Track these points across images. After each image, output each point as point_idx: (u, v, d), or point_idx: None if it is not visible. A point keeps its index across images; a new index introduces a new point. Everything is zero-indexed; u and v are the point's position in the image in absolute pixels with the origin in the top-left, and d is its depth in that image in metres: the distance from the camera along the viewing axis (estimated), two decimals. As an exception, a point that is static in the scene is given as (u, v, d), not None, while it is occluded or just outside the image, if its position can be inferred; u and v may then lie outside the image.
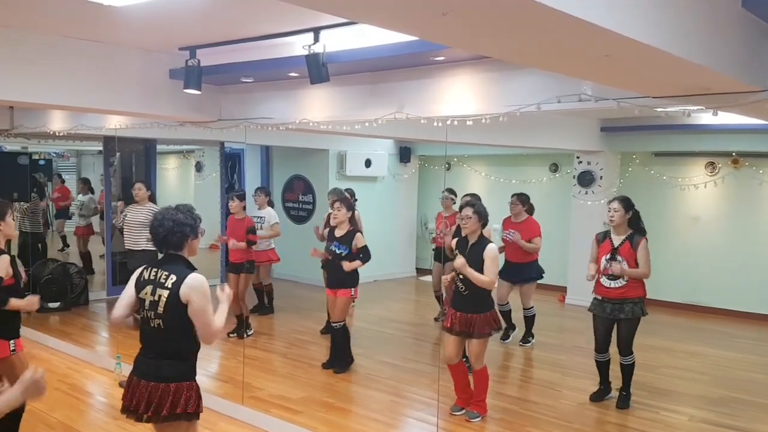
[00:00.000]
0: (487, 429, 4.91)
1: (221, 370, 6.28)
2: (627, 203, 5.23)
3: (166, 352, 3.11)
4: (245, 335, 7.16)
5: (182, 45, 4.96)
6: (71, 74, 4.94)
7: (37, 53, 4.75)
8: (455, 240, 5.13)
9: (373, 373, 6.12)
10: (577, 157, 9.39)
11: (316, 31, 4.17)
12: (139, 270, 3.23)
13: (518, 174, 10.31)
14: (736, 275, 8.71)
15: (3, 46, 4.58)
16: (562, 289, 9.56)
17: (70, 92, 4.99)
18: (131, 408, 3.13)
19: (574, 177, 9.47)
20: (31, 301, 4.07)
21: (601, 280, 5.24)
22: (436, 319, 8.12)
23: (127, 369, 5.87)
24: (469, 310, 4.86)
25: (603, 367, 5.49)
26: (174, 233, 3.09)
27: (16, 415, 3.87)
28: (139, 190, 7.26)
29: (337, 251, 5.95)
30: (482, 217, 4.88)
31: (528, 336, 7.24)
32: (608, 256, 5.19)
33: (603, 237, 5.37)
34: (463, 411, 5.06)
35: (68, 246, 10.61)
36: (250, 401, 5.16)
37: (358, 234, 5.97)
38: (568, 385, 5.95)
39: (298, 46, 4.35)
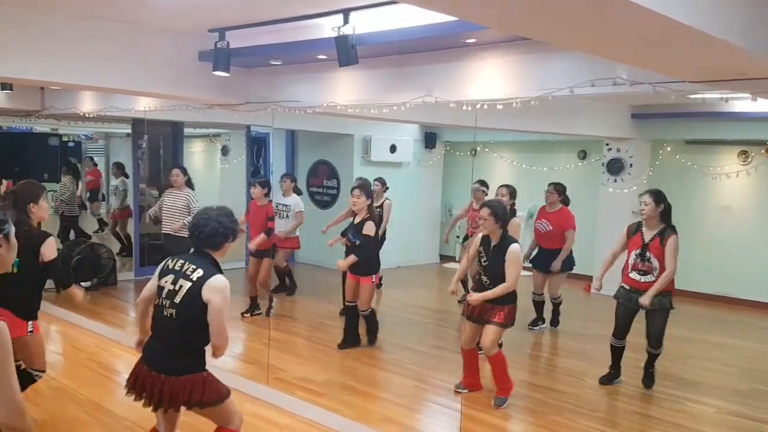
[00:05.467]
0: (511, 416, 4.89)
1: (246, 352, 6.34)
2: (658, 197, 5.14)
3: (175, 343, 3.14)
4: (269, 313, 7.35)
5: (212, 27, 4.97)
6: (102, 55, 4.98)
7: (67, 34, 4.79)
8: (480, 235, 5.05)
9: (397, 359, 6.13)
10: (607, 144, 9.25)
11: (346, 12, 4.14)
12: (165, 260, 3.28)
13: (545, 161, 10.18)
14: (766, 267, 8.53)
15: (34, 28, 4.63)
16: (588, 278, 9.42)
17: (100, 73, 5.04)
18: (134, 390, 3.20)
19: (603, 164, 9.34)
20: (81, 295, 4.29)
21: (630, 274, 5.19)
22: (460, 302, 8.11)
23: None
24: (491, 301, 4.83)
25: (617, 353, 5.50)
26: (218, 234, 3.16)
27: (24, 382, 3.96)
28: (177, 176, 7.41)
29: (353, 240, 6.04)
30: (500, 219, 4.80)
31: (555, 322, 7.29)
32: (638, 251, 5.13)
33: (635, 230, 5.28)
34: (467, 390, 5.15)
35: (102, 230, 10.76)
36: (274, 383, 5.20)
37: (368, 223, 5.99)
38: (592, 373, 5.88)
39: (327, 28, 4.32)
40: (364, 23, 4.20)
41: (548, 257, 7.00)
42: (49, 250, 3.93)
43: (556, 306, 7.24)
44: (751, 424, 4.91)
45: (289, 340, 6.60)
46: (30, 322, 3.99)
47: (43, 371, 4.20)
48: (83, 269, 8.36)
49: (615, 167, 9.16)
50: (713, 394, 5.45)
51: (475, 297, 4.86)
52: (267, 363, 5.44)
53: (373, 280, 6.16)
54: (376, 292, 6.72)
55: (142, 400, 3.18)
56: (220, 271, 3.16)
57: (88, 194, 10.80)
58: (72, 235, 9.75)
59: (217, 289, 3.04)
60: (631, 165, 9.07)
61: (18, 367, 3.97)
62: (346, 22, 4.15)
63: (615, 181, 9.18)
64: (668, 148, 9.19)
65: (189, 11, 4.58)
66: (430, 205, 11.42)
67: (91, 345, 6.35)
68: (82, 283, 8.28)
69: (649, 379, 5.46)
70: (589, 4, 2.10)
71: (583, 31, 2.55)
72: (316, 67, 5.44)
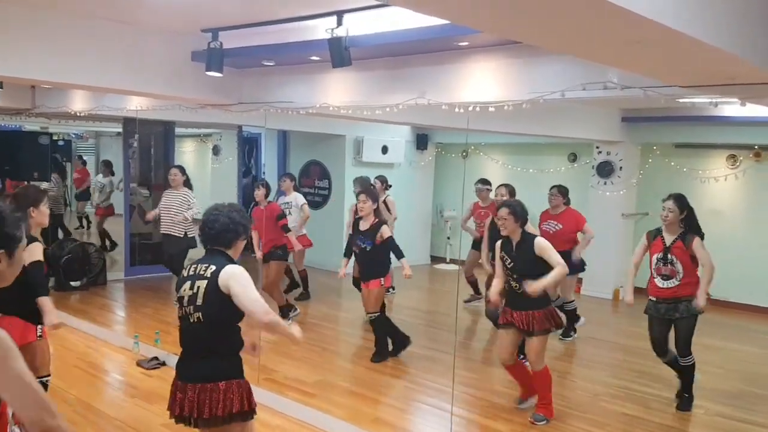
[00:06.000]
0: (501, 417, 4.90)
1: (237, 352, 6.32)
2: (682, 202, 4.98)
3: (208, 349, 3.00)
4: (290, 317, 7.00)
5: (205, 27, 4.97)
6: (94, 54, 4.97)
7: (60, 33, 4.78)
8: (499, 242, 4.86)
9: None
10: (597, 147, 9.31)
11: (340, 14, 4.15)
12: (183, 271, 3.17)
13: (536, 163, 10.23)
14: (755, 270, 8.61)
15: (27, 26, 4.61)
16: (579, 281, 9.49)
17: (92, 72, 5.03)
18: (182, 415, 3.01)
19: (593, 167, 9.40)
20: (55, 320, 3.94)
21: (655, 280, 5.03)
22: (466, 302, 8.14)
23: (144, 349, 5.97)
24: (527, 307, 4.65)
25: (673, 365, 5.24)
26: (228, 230, 3.06)
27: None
28: (175, 175, 7.41)
29: (362, 245, 5.89)
30: (519, 217, 4.66)
31: (570, 330, 7.00)
32: (660, 255, 5.00)
33: (654, 235, 5.12)
34: (527, 402, 4.97)
35: (84, 227, 10.73)
36: (265, 383, 5.19)
37: (384, 227, 5.86)
38: (582, 375, 5.94)
39: (320, 29, 4.34)
40: (357, 25, 4.22)
41: None
42: (31, 253, 3.70)
43: (570, 312, 6.92)
44: (739, 425, 4.95)
45: (281, 341, 6.56)
46: (39, 327, 3.86)
47: (49, 376, 4.07)
48: (73, 269, 8.32)
49: (605, 170, 9.22)
50: (702, 396, 5.48)
51: (535, 285, 4.50)
52: (258, 363, 5.43)
53: (382, 282, 5.96)
54: (386, 297, 6.57)
55: (187, 423, 3.01)
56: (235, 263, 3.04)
57: (76, 192, 10.78)
58: (60, 234, 9.73)
59: (232, 275, 2.92)
60: (620, 168, 9.13)
61: None
62: (339, 23, 4.16)
63: (605, 184, 9.24)
64: (658, 152, 9.25)
65: (182, 11, 4.58)
66: (421, 206, 11.45)
67: (80, 345, 6.32)
68: (72, 283, 8.26)
69: (685, 404, 5.16)
70: (579, 9, 2.12)
71: (574, 35, 2.58)
72: (309, 69, 5.45)
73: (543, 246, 4.62)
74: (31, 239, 3.87)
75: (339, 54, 4.22)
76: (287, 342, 6.54)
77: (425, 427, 4.82)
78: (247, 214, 3.19)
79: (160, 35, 5.28)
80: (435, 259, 11.52)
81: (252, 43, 5.01)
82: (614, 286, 9.25)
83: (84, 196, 10.80)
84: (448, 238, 11.24)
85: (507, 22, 2.43)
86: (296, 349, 6.39)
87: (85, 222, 11.16)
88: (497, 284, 4.86)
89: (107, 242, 10.06)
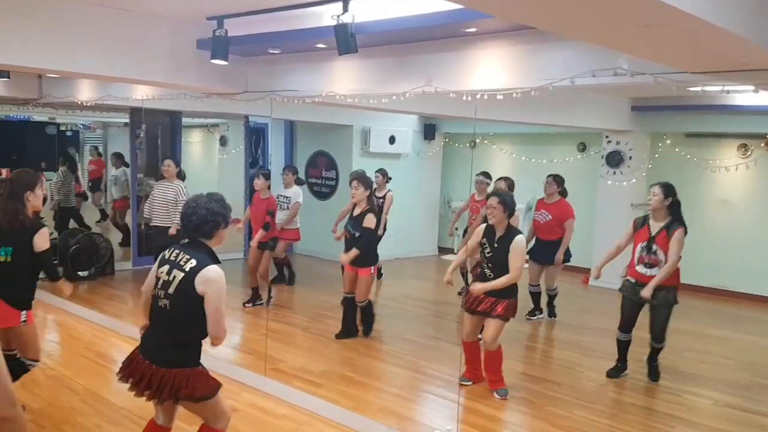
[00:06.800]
0: (508, 408, 4.88)
1: (244, 342, 6.33)
2: (668, 189, 5.12)
3: (168, 336, 3.07)
4: (269, 303, 7.39)
5: (210, 14, 4.92)
6: (100, 43, 4.94)
7: (64, 20, 4.75)
8: (483, 226, 5.03)
9: (394, 350, 6.13)
10: (606, 137, 9.22)
11: (345, 0, 4.10)
12: (164, 251, 3.21)
13: (545, 153, 10.16)
14: (765, 260, 8.53)
15: (31, 13, 4.59)
16: (587, 271, 9.41)
17: (98, 61, 5.00)
18: (127, 379, 3.13)
19: (602, 157, 9.32)
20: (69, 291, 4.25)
21: (637, 267, 5.18)
22: (459, 293, 8.11)
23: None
24: (494, 295, 4.82)
25: (623, 347, 5.50)
26: (207, 222, 3.07)
27: (17, 372, 3.94)
28: (168, 167, 7.37)
29: (351, 231, 6.04)
30: (508, 207, 4.79)
31: (551, 314, 7.33)
32: (644, 244, 5.12)
33: (642, 222, 5.27)
34: (471, 382, 5.16)
35: (104, 219, 10.71)
36: (272, 373, 5.19)
37: (368, 215, 5.96)
38: (589, 365, 5.90)
39: (326, 16, 4.28)
40: (363, 11, 4.17)
41: (545, 249, 7.01)
42: (42, 240, 3.88)
43: (552, 298, 7.29)
44: (749, 416, 4.91)
45: (287, 331, 6.59)
46: (23, 312, 3.92)
47: (37, 361, 4.14)
48: (81, 259, 8.35)
49: (614, 160, 9.14)
50: (711, 387, 5.45)
51: (478, 287, 4.84)
52: (265, 353, 5.43)
53: (372, 271, 6.17)
54: (376, 283, 6.72)
55: (133, 387, 3.11)
56: (216, 261, 3.07)
57: (90, 184, 10.77)
58: (72, 225, 9.74)
59: (211, 281, 2.96)
60: (630, 158, 9.05)
61: (12, 356, 3.96)
62: (345, 10, 4.11)
63: (614, 173, 9.17)
64: (668, 141, 9.16)
65: (187, -2, 4.55)
66: (428, 196, 11.40)
67: (87, 334, 6.34)
68: (80, 273, 8.28)
69: (653, 373, 5.48)
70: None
71: (585, 19, 2.52)
72: (315, 56, 5.40)
73: (516, 248, 4.75)
74: (39, 224, 3.91)
75: (345, 41, 4.17)
76: (293, 331, 6.60)
77: (432, 416, 4.80)
78: (227, 203, 3.20)
79: (165, 23, 5.24)
80: (442, 250, 11.48)
81: (257, 30, 4.96)
82: (622, 277, 9.18)
83: (96, 187, 10.79)
84: (456, 228, 11.18)
85: (516, 5, 2.38)
86: (303, 339, 6.40)
87: (103, 214, 11.16)
88: (454, 265, 5.12)
89: (127, 237, 9.99)
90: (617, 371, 5.54)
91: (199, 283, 2.95)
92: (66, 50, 4.82)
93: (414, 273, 10.09)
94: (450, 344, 6.21)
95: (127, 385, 3.14)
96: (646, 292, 5.03)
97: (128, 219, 9.81)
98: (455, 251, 11.12)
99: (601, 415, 4.78)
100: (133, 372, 3.10)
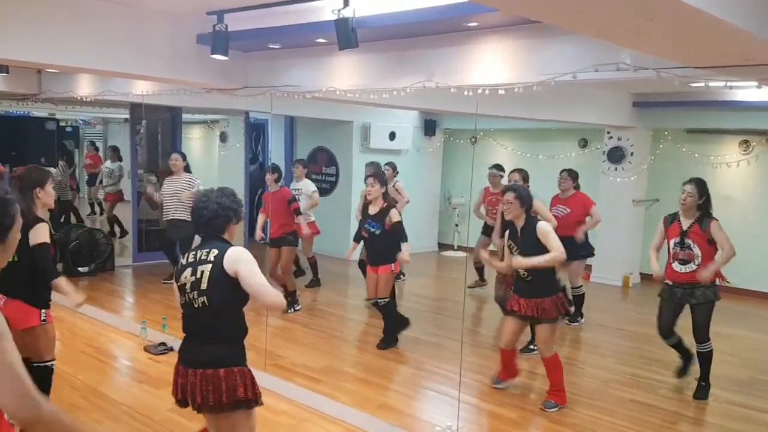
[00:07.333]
0: (509, 405, 4.87)
1: (244, 338, 6.31)
2: (702, 187, 4.97)
3: (211, 334, 2.97)
4: (293, 310, 6.96)
5: (210, 9, 4.90)
6: (99, 37, 4.91)
7: (64, 15, 4.72)
8: (506, 232, 4.86)
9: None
10: (608, 133, 9.19)
11: (346, -6, 4.07)
12: (176, 266, 3.15)
13: (546, 149, 10.13)
14: (766, 256, 8.51)
15: (30, 8, 4.56)
16: (588, 267, 9.42)
17: (97, 56, 4.97)
18: (184, 399, 3.01)
19: (603, 153, 9.29)
20: (77, 299, 4.01)
21: (672, 265, 4.99)
22: (470, 287, 8.07)
23: (152, 334, 5.96)
24: (535, 295, 4.65)
25: (677, 348, 5.28)
26: (218, 216, 3.02)
27: (44, 377, 3.86)
28: (176, 160, 7.38)
29: (371, 230, 5.85)
30: (525, 202, 4.66)
31: (577, 315, 6.95)
32: (677, 240, 4.96)
33: (671, 220, 5.09)
34: (504, 383, 5.04)
35: (95, 212, 10.74)
36: (272, 368, 5.18)
37: (393, 210, 5.81)
38: (592, 362, 5.88)
39: (327, 11, 4.26)
40: (364, 6, 4.14)
41: (564, 244, 6.86)
42: (35, 234, 3.70)
43: (578, 298, 6.89)
44: (751, 413, 4.90)
45: (288, 327, 6.58)
46: (42, 311, 3.83)
47: (54, 360, 4.04)
48: (81, 254, 8.34)
49: (616, 156, 9.11)
50: (713, 383, 5.41)
51: (520, 261, 4.59)
52: (265, 349, 5.42)
53: (392, 269, 5.90)
54: (396, 284, 6.51)
55: (187, 401, 2.99)
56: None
57: (87, 178, 10.78)
58: (73, 219, 9.75)
59: (237, 258, 2.90)
60: (631, 153, 9.03)
61: (31, 365, 3.76)
62: (346, 4, 4.08)
63: (615, 169, 9.14)
64: (669, 137, 9.14)
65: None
66: (429, 193, 11.38)
67: (88, 330, 6.33)
68: (80, 268, 8.27)
69: (702, 392, 5.11)
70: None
71: (588, 12, 2.50)
72: (316, 51, 5.38)
73: (544, 231, 4.60)
74: (37, 220, 3.82)
75: (346, 35, 4.14)
76: (293, 328, 6.57)
77: (432, 413, 4.79)
78: (238, 198, 3.15)
79: (165, 17, 5.21)
80: (443, 246, 11.46)
81: (258, 25, 4.94)
82: (624, 273, 9.18)
83: (93, 181, 10.82)
84: (456, 225, 11.18)
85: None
86: (303, 335, 6.38)
87: (97, 208, 11.20)
88: (502, 268, 4.98)
89: (116, 229, 10.06)
90: (684, 369, 5.36)
91: (229, 266, 2.89)
92: (65, 45, 4.79)
93: (414, 269, 10.03)
94: (452, 341, 6.19)
95: (186, 405, 3.02)
96: (705, 274, 4.79)
97: (116, 212, 9.89)
98: (455, 248, 11.13)
99: (602, 412, 4.76)
100: (192, 388, 2.95)
